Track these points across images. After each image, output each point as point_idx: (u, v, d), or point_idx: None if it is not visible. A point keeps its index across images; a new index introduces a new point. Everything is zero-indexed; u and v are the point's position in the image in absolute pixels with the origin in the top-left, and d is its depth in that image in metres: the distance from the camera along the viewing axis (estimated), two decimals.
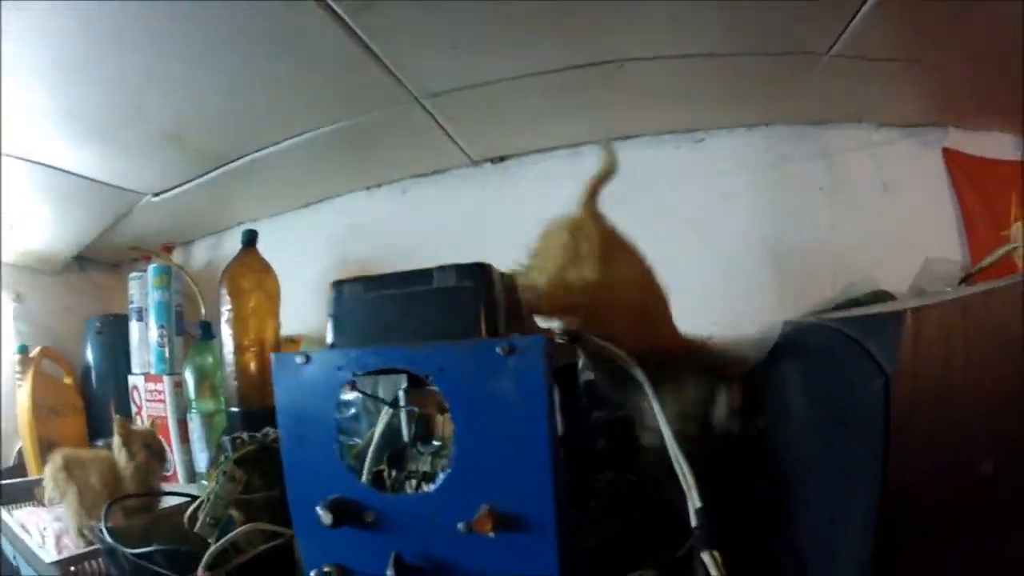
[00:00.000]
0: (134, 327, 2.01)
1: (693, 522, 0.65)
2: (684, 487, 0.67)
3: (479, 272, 0.72)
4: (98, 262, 2.43)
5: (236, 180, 1.75)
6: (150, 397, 1.88)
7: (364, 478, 0.76)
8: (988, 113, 1.63)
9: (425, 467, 0.72)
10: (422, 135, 1.56)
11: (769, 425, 0.84)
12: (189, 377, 1.73)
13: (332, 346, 0.73)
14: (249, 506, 1.02)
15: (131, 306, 2.02)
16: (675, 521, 0.69)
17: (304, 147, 1.59)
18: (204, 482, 1.54)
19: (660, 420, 0.71)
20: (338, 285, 0.78)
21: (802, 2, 1.10)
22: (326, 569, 0.69)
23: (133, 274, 2.03)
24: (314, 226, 1.95)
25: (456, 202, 1.76)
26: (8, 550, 1.49)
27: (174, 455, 1.80)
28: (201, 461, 1.69)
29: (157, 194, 1.80)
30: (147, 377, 1.90)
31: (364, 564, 0.69)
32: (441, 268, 0.72)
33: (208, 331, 1.76)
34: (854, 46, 1.21)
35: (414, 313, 0.72)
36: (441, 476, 0.66)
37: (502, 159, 1.72)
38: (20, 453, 2.13)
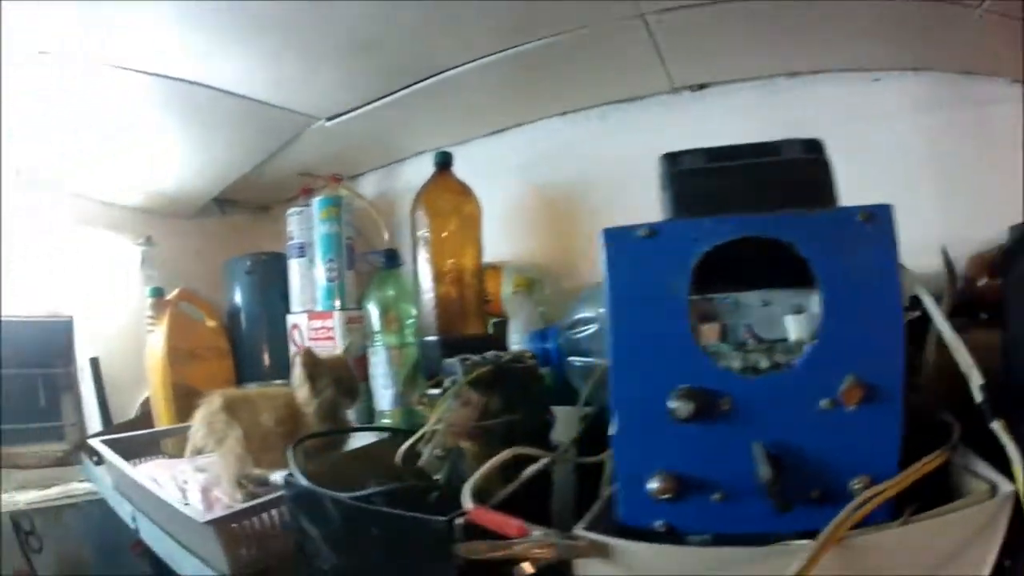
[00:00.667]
0: (294, 264, 1.97)
1: (978, 398, 0.63)
2: (964, 367, 0.65)
3: (822, 146, 0.71)
4: (240, 204, 2.44)
5: (417, 103, 1.66)
6: (315, 335, 1.84)
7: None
8: None
9: (786, 354, 0.69)
10: (627, 58, 1.51)
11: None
12: (372, 309, 1.70)
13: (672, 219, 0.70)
14: (487, 435, 0.94)
15: (290, 243, 1.98)
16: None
17: (496, 68, 1.54)
18: (387, 421, 1.57)
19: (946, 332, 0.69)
20: (671, 156, 0.73)
21: None
22: (657, 481, 0.63)
23: (292, 210, 1.99)
24: (502, 154, 1.90)
25: (654, 130, 1.69)
26: (125, 510, 1.43)
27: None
28: (384, 398, 1.64)
29: (331, 118, 1.74)
30: (311, 315, 1.87)
31: (703, 463, 0.63)
32: (786, 141, 0.70)
33: (394, 259, 1.75)
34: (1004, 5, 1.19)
35: (760, 183, 0.70)
36: (812, 351, 0.62)
37: (702, 87, 1.70)
38: (143, 405, 2.15)
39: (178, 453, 1.39)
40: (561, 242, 1.78)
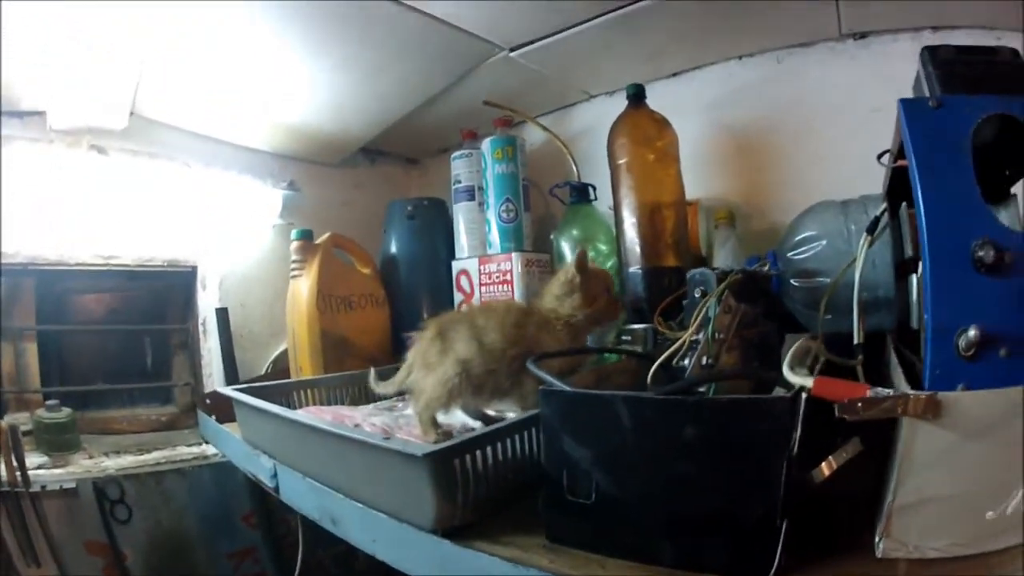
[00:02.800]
0: (461, 209, 2.10)
1: None
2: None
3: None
4: (390, 155, 2.64)
5: (597, 42, 1.80)
6: (487, 280, 1.95)
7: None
8: None
9: None
10: (799, 5, 1.67)
11: None
12: (565, 245, 1.83)
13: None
14: (745, 344, 1.01)
15: (457, 187, 2.10)
16: None
17: (677, 8, 1.65)
18: None
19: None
20: (932, 49, 0.91)
21: None
22: (973, 330, 0.69)
23: (457, 153, 2.11)
24: (683, 95, 2.02)
25: (825, 74, 1.85)
26: (262, 465, 1.37)
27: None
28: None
29: (514, 48, 1.84)
30: (482, 259, 1.98)
31: (995, 319, 0.70)
32: (999, 47, 0.90)
33: (585, 193, 1.88)
34: None
35: (1004, 75, 0.86)
36: None
37: (862, 35, 1.81)
38: (275, 362, 2.29)
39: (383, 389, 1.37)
40: (748, 182, 1.88)
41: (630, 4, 1.64)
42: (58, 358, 2.14)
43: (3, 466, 1.75)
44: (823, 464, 0.72)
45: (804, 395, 0.71)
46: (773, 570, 0.67)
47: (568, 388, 0.85)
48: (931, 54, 0.92)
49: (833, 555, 0.73)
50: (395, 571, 0.97)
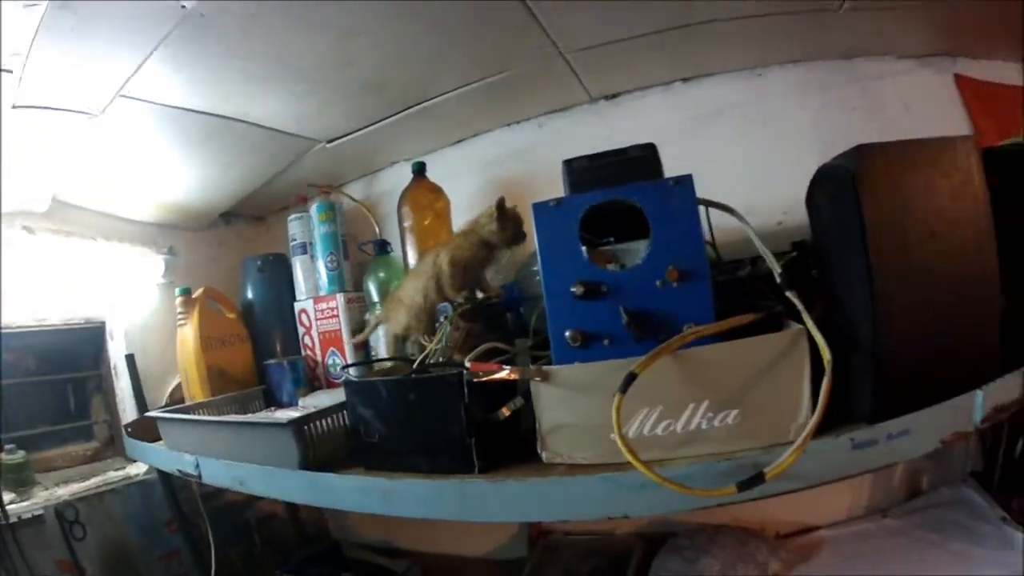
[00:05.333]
0: (298, 261, 2.57)
1: (777, 277, 1.22)
2: (767, 260, 1.25)
3: (653, 147, 1.36)
4: (242, 215, 3.10)
5: (397, 124, 2.32)
6: (321, 315, 2.45)
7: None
8: (992, 45, 2.15)
9: (636, 259, 1.31)
10: (557, 81, 2.15)
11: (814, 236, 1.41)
12: (372, 287, 2.33)
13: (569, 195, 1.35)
14: (470, 349, 1.54)
15: (293, 243, 2.57)
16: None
17: (462, 94, 2.16)
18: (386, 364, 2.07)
19: (760, 247, 1.32)
20: (568, 161, 1.40)
21: None
22: (568, 333, 1.25)
23: (292, 215, 2.58)
24: (465, 158, 2.55)
25: (582, 131, 2.36)
26: (186, 461, 1.89)
27: (349, 360, 2.38)
28: (383, 351, 2.23)
29: (331, 140, 2.38)
30: (316, 299, 2.46)
31: (596, 325, 1.20)
32: (634, 146, 1.36)
33: (384, 247, 2.40)
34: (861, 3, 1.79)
35: (619, 171, 1.31)
36: (644, 254, 1.22)
37: (614, 96, 2.34)
38: (171, 394, 2.74)
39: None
40: None
41: (419, 104, 2.20)
42: (7, 408, 2.44)
43: None
44: (503, 408, 1.31)
45: (465, 370, 1.30)
46: (476, 469, 1.27)
47: (354, 378, 1.54)
48: (567, 166, 1.40)
49: (521, 463, 1.29)
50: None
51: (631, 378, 1.10)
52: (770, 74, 2.26)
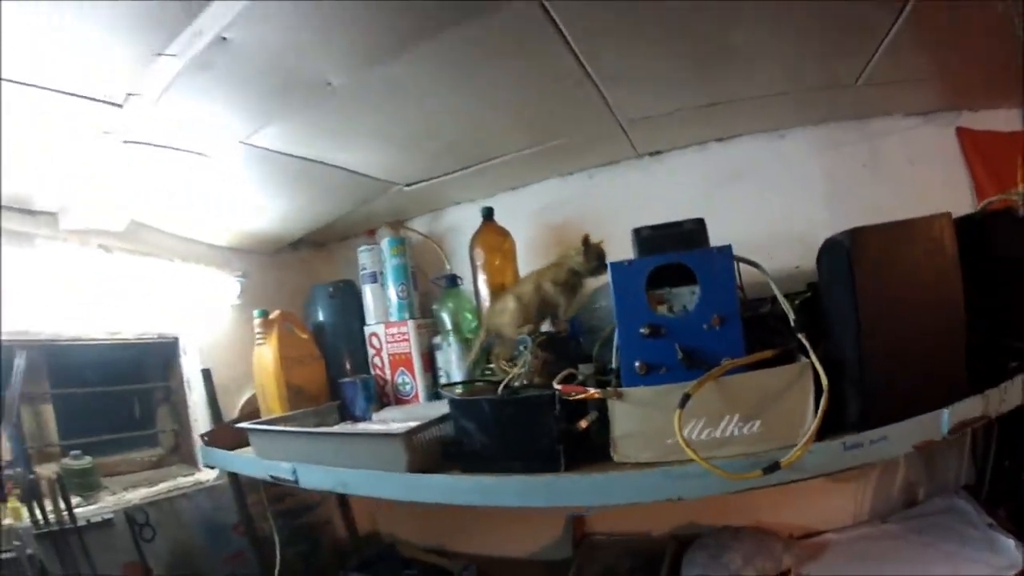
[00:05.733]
0: (368, 288, 3.01)
1: (792, 323, 1.71)
2: (784, 306, 1.75)
3: (702, 221, 1.78)
4: (306, 242, 3.54)
5: (463, 179, 2.80)
6: (391, 339, 2.90)
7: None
8: (993, 96, 2.50)
9: (682, 302, 1.79)
10: (609, 141, 2.61)
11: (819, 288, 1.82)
12: (444, 315, 2.75)
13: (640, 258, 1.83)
14: (548, 375, 1.96)
15: (363, 272, 3.01)
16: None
17: (512, 161, 2.67)
18: (458, 388, 2.56)
19: (778, 295, 1.82)
20: (637, 230, 1.81)
21: (826, 62, 2.16)
22: (637, 363, 1.67)
23: (362, 247, 3.01)
24: (520, 203, 3.01)
25: (628, 184, 2.84)
26: (282, 468, 2.21)
27: (417, 379, 2.84)
28: (456, 375, 2.69)
29: (408, 184, 2.83)
30: (387, 324, 2.90)
31: (656, 357, 1.65)
32: (687, 220, 1.80)
33: (454, 281, 2.84)
34: (874, 77, 2.20)
35: (676, 240, 1.76)
36: (695, 303, 1.73)
37: (657, 153, 2.82)
38: (244, 406, 3.10)
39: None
40: None
41: (487, 161, 2.70)
42: (68, 416, 2.71)
43: (37, 510, 2.28)
44: (582, 421, 1.71)
45: (557, 391, 1.71)
46: (561, 468, 1.69)
47: (457, 397, 2.13)
48: (636, 234, 1.83)
49: (596, 463, 1.68)
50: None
51: (687, 398, 1.53)
52: (790, 135, 2.67)
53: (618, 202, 2.76)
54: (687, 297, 1.77)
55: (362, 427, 2.54)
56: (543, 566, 3.08)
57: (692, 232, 1.84)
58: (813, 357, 1.58)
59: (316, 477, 2.15)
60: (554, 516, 3.11)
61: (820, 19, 1.92)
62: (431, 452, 1.99)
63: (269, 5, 1.53)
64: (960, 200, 2.51)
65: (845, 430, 1.58)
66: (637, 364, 1.73)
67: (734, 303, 1.72)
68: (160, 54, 1.67)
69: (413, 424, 2.02)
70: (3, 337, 2.34)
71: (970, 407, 1.57)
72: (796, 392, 1.60)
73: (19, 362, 2.44)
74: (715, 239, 1.88)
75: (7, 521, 2.23)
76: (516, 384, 2.04)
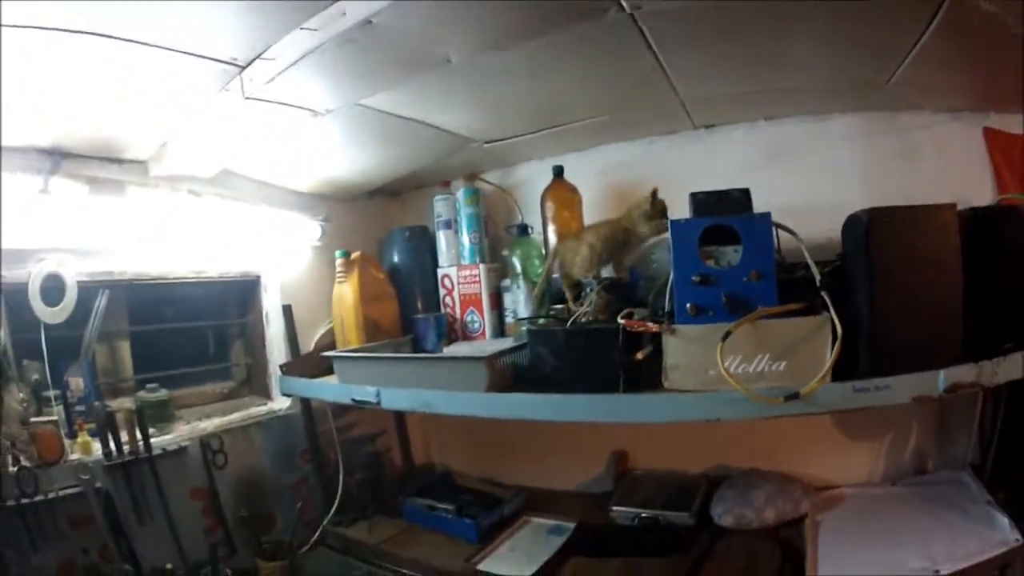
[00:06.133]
0: (442, 234, 3.49)
1: (817, 282, 2.18)
2: (814, 272, 2.24)
3: (747, 191, 2.23)
4: (383, 191, 4.01)
5: (537, 139, 3.25)
6: (463, 280, 3.38)
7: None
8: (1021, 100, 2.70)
9: (727, 259, 2.24)
10: (670, 114, 3.02)
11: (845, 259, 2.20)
12: (516, 261, 3.18)
13: (695, 218, 2.25)
14: (609, 312, 2.41)
15: (439, 219, 3.49)
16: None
17: (583, 126, 3.11)
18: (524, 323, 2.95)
19: (808, 258, 2.30)
20: (694, 194, 2.25)
21: (860, 65, 2.55)
22: (688, 305, 2.11)
23: (438, 196, 3.50)
24: (586, 164, 3.41)
25: (683, 152, 3.27)
26: (366, 391, 2.63)
27: (485, 318, 3.34)
28: (522, 311, 3.13)
29: (488, 142, 3.25)
30: (459, 267, 3.37)
31: (707, 301, 2.09)
32: (735, 189, 2.29)
33: (525, 230, 3.30)
34: (902, 81, 2.57)
35: (725, 204, 2.20)
36: (739, 258, 2.22)
37: (711, 126, 3.25)
38: (320, 339, 3.56)
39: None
40: None
41: (562, 125, 3.13)
42: (145, 352, 3.09)
43: (111, 441, 2.57)
44: (639, 353, 2.19)
45: (621, 324, 2.20)
46: (621, 390, 2.19)
47: (536, 328, 2.56)
48: (692, 197, 2.23)
49: (651, 388, 2.16)
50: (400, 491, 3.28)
51: (728, 334, 1.97)
52: (831, 120, 3.07)
53: (674, 168, 3.19)
54: (731, 255, 2.16)
55: (453, 350, 3.09)
56: (587, 497, 3.42)
57: (738, 199, 2.25)
58: (832, 312, 1.97)
59: (399, 398, 2.59)
60: (598, 451, 3.57)
61: (855, 34, 2.29)
62: (506, 376, 2.44)
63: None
64: (982, 194, 2.85)
65: (857, 376, 1.95)
66: (688, 306, 2.15)
67: (770, 262, 2.13)
68: (302, 28, 2.00)
69: (493, 350, 2.45)
70: (86, 278, 2.64)
71: (964, 372, 1.92)
72: (817, 340, 2.00)
73: (100, 301, 2.71)
74: (758, 206, 2.29)
75: (75, 456, 2.52)
76: (583, 320, 2.46)
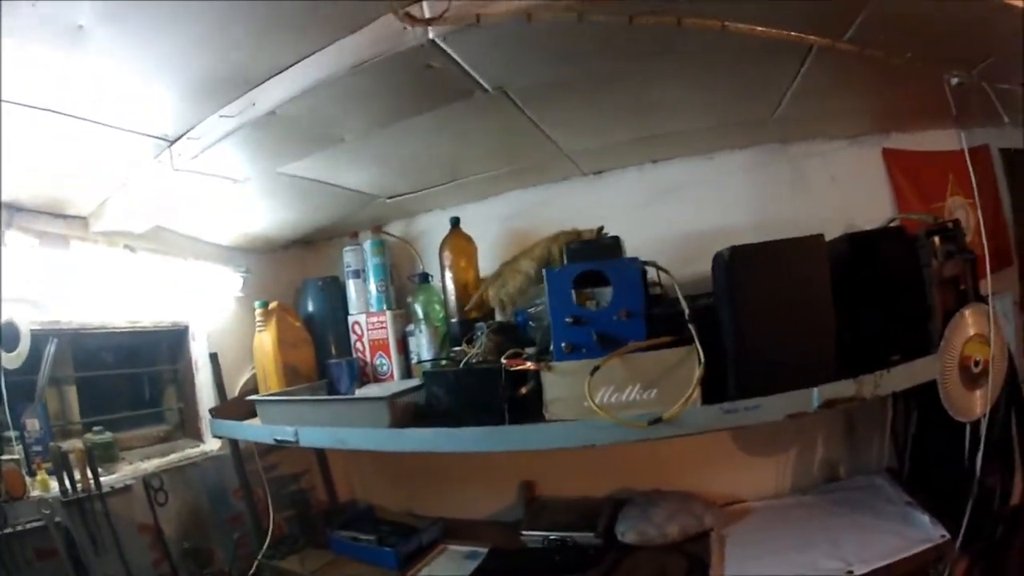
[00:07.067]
0: (351, 283, 3.64)
1: (686, 315, 2.39)
2: (683, 305, 2.45)
3: (618, 238, 2.64)
4: (299, 242, 4.14)
5: (437, 192, 3.48)
6: (371, 326, 3.58)
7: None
8: (923, 119, 2.95)
9: (603, 300, 2.45)
10: (558, 163, 3.25)
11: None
12: (417, 307, 3.41)
13: (568, 266, 2.63)
14: (498, 352, 2.55)
15: (348, 269, 3.64)
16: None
17: (484, 179, 3.36)
18: (426, 365, 3.14)
19: (679, 295, 2.52)
20: (568, 243, 2.63)
21: (740, 105, 2.72)
22: (563, 344, 2.31)
23: (347, 248, 3.65)
24: (487, 211, 3.65)
25: (575, 198, 3.50)
26: (285, 431, 2.79)
27: (393, 361, 3.52)
28: (426, 355, 3.30)
29: (390, 197, 3.47)
30: (368, 314, 3.56)
31: (580, 339, 2.28)
32: (606, 236, 2.72)
33: (426, 278, 3.51)
34: (786, 112, 2.72)
35: (597, 251, 2.54)
36: (610, 299, 2.43)
37: (599, 172, 3.47)
38: (244, 385, 3.70)
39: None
40: None
41: (459, 179, 3.36)
42: (89, 397, 3.19)
43: (67, 479, 2.66)
44: (523, 388, 2.42)
45: (502, 364, 2.43)
46: (506, 422, 2.38)
47: (429, 369, 2.87)
48: (567, 247, 2.55)
49: (531, 420, 2.35)
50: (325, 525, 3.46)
51: (595, 369, 2.15)
52: (718, 157, 3.27)
53: (568, 212, 3.28)
54: (607, 295, 2.35)
55: (359, 393, 3.29)
56: (501, 525, 3.60)
57: (609, 246, 2.51)
58: (696, 342, 2.14)
59: (315, 436, 2.76)
60: (509, 482, 3.74)
61: (727, 77, 2.47)
62: (408, 413, 2.63)
63: (307, 92, 2.17)
64: (881, 214, 2.99)
65: (728, 399, 2.12)
66: (563, 344, 2.34)
67: (639, 301, 2.32)
68: (220, 115, 2.31)
69: (396, 390, 2.70)
70: (37, 327, 2.75)
71: (841, 388, 2.09)
72: (684, 369, 2.17)
73: (50, 348, 2.86)
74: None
75: (36, 492, 2.63)
76: (474, 360, 2.66)
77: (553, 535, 3.23)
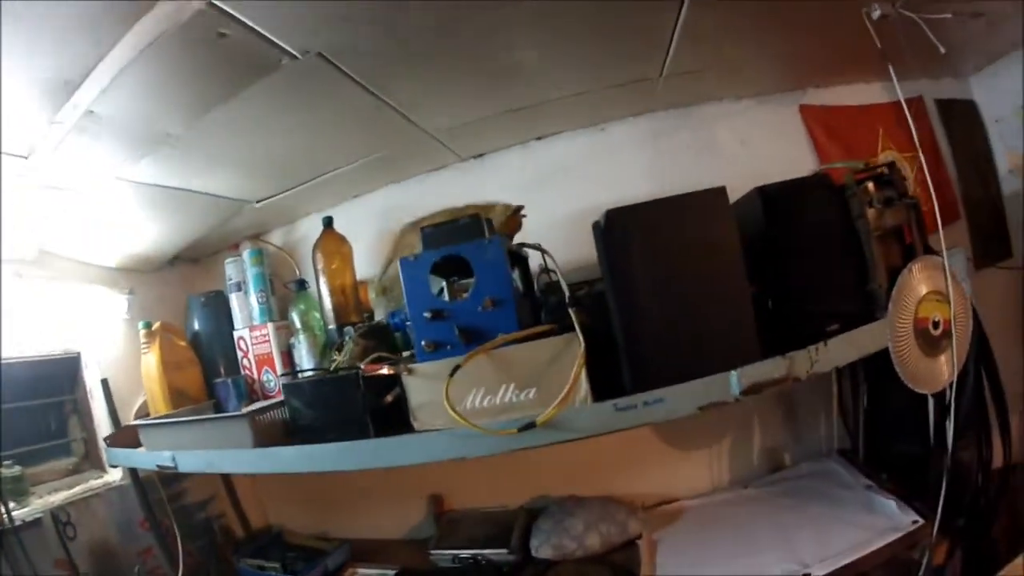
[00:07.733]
0: (234, 297, 3.40)
1: (566, 299, 2.14)
2: (564, 289, 2.20)
3: (478, 216, 2.19)
4: (182, 259, 3.94)
5: (309, 188, 3.23)
6: (255, 341, 3.32)
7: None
8: (841, 71, 2.87)
9: (466, 293, 2.19)
10: (430, 149, 3.10)
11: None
12: (295, 316, 3.23)
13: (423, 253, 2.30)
14: (365, 357, 2.47)
15: (229, 282, 3.41)
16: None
17: (356, 166, 3.11)
18: (308, 373, 2.92)
19: (560, 277, 2.25)
20: (423, 228, 2.14)
21: (621, 63, 2.53)
22: (423, 342, 2.05)
23: (228, 260, 3.41)
24: (365, 210, 3.50)
25: (456, 185, 3.31)
26: (164, 456, 2.63)
27: (277, 375, 3.21)
28: (307, 364, 3.12)
29: (259, 201, 3.27)
30: (251, 328, 3.32)
31: (442, 336, 2.02)
32: (464, 217, 2.29)
33: (302, 285, 3.34)
34: (678, 66, 2.51)
35: (456, 235, 2.10)
36: (472, 291, 2.16)
37: (479, 156, 3.29)
38: (139, 409, 3.43)
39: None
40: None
41: (324, 175, 3.20)
42: None
43: None
44: (388, 395, 2.17)
45: (360, 369, 2.31)
46: (371, 435, 2.11)
47: (288, 381, 2.41)
48: (422, 231, 2.15)
49: (404, 431, 2.06)
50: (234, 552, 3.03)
51: (456, 369, 1.92)
52: (611, 128, 3.14)
53: (449, 202, 3.03)
54: (466, 284, 2.13)
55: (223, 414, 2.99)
56: (412, 544, 3.49)
57: (469, 227, 2.21)
58: (577, 328, 1.89)
59: (191, 461, 2.58)
60: (418, 497, 3.61)
61: (593, 26, 2.26)
62: (275, 430, 2.45)
63: (114, 86, 2.04)
64: (801, 171, 2.55)
65: (623, 393, 1.83)
66: (424, 343, 2.10)
67: (506, 288, 2.09)
68: (53, 122, 2.18)
69: (257, 407, 2.48)
70: None
71: (767, 369, 1.78)
72: (566, 361, 1.90)
73: None
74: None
75: None
76: (341, 368, 2.45)
77: (464, 553, 3.05)
